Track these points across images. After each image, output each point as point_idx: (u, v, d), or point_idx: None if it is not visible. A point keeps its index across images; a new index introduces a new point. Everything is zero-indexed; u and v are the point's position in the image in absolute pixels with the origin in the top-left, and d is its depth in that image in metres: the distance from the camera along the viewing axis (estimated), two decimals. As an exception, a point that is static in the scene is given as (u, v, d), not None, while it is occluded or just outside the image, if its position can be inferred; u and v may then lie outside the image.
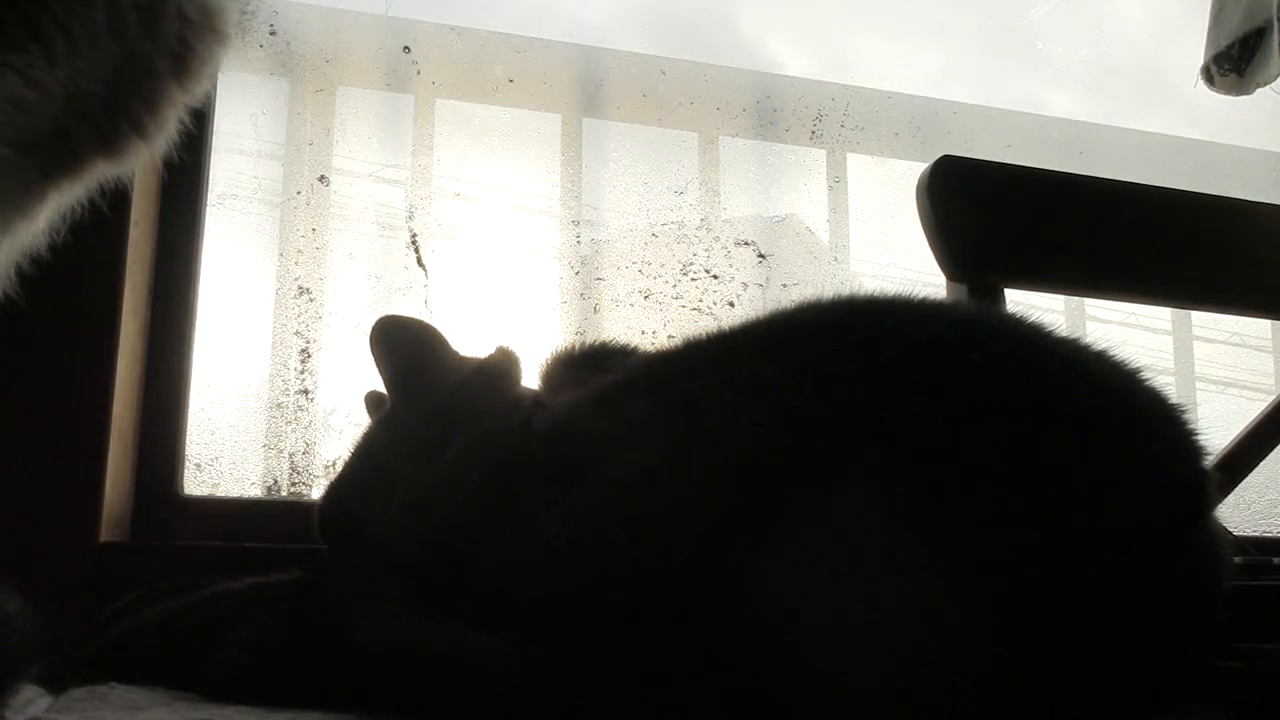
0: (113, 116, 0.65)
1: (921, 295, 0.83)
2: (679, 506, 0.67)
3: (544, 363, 0.99)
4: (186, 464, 1.30)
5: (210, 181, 1.35)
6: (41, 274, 0.78)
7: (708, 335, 0.86)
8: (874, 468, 0.64)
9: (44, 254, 0.77)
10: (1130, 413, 0.73)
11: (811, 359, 0.73)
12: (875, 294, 0.83)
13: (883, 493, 0.63)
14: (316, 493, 1.36)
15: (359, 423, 1.38)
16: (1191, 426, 0.75)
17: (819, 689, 0.62)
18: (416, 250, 1.43)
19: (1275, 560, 1.44)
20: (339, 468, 1.03)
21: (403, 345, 0.96)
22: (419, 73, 1.48)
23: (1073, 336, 0.81)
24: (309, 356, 1.38)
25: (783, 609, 0.63)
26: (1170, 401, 0.77)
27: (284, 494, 1.35)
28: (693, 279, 1.50)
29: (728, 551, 0.65)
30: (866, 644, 0.61)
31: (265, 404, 1.37)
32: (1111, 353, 0.78)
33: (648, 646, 0.65)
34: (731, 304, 1.51)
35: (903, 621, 0.61)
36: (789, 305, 0.85)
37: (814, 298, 0.82)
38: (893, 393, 0.68)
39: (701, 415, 0.72)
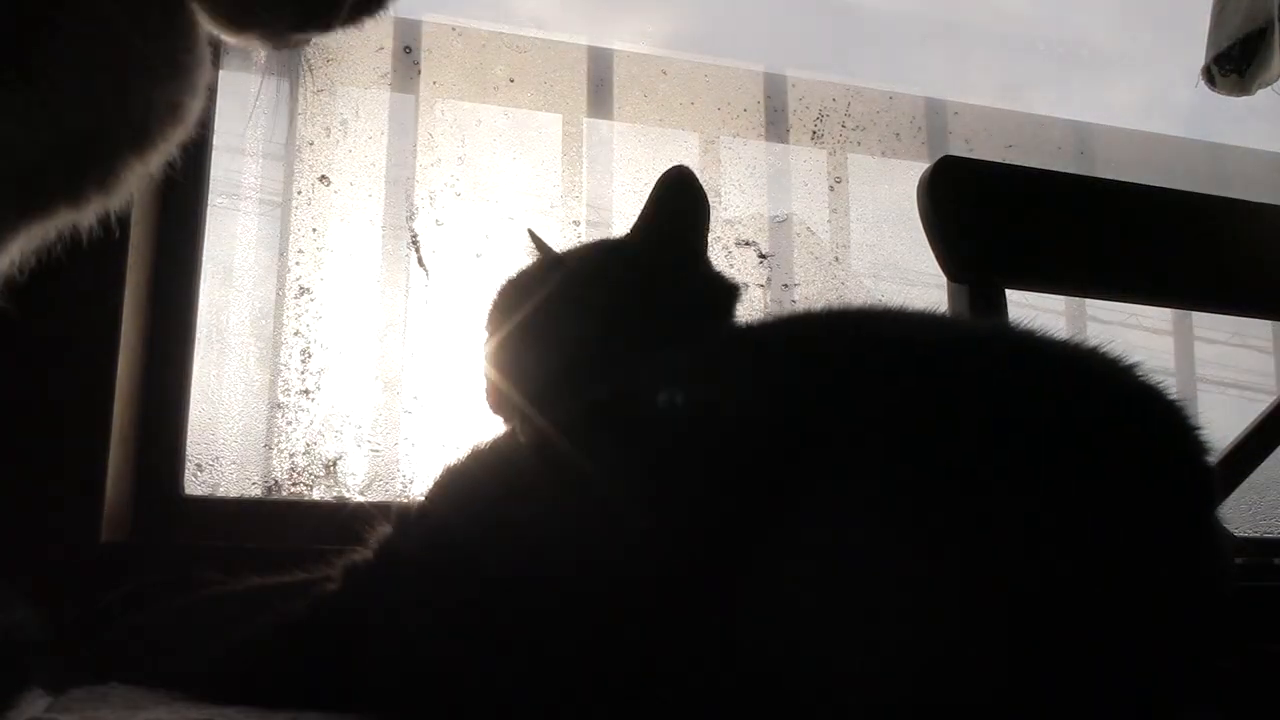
0: (81, 169, 0.68)
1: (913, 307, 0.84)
2: (677, 513, 0.67)
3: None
4: (187, 464, 1.30)
5: (210, 181, 1.35)
6: (42, 275, 0.78)
7: (712, 338, 0.86)
8: (870, 472, 0.64)
9: (45, 255, 0.77)
10: (1134, 409, 0.73)
11: (810, 363, 0.73)
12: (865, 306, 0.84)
13: (880, 495, 0.63)
14: (317, 493, 1.36)
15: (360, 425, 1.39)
16: (1194, 421, 0.75)
17: (820, 695, 0.62)
18: (417, 250, 1.43)
19: (1276, 560, 1.44)
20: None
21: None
22: (420, 73, 1.48)
23: (1066, 337, 0.81)
24: (309, 356, 1.38)
25: (786, 615, 0.63)
26: (1171, 397, 0.76)
27: (284, 494, 1.35)
28: (693, 279, 1.50)
29: (729, 556, 0.65)
30: (868, 648, 0.61)
31: (266, 404, 1.37)
32: (1105, 349, 0.78)
33: (648, 654, 0.65)
34: (732, 304, 1.51)
35: (906, 623, 0.61)
36: (781, 314, 0.85)
37: (803, 309, 0.83)
38: (892, 395, 0.68)
39: (700, 421, 0.72)
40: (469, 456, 0.84)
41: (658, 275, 0.93)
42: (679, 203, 0.96)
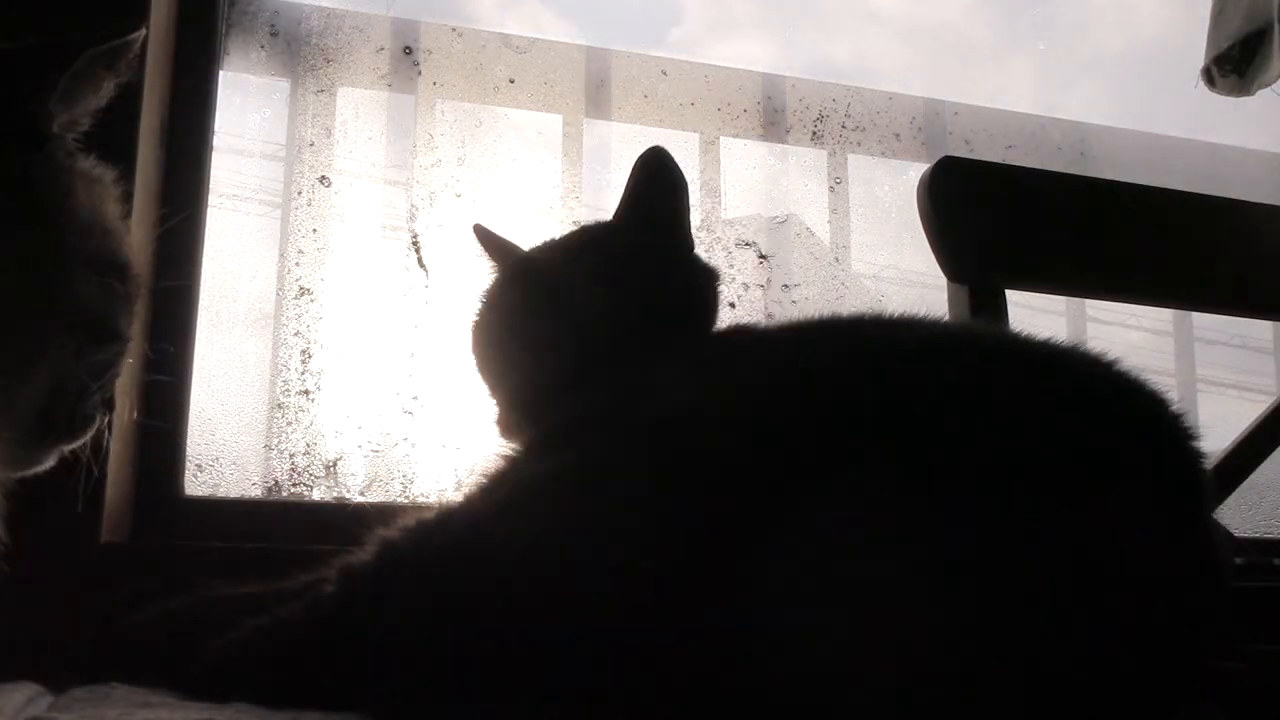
0: None
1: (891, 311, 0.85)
2: (674, 516, 0.67)
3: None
4: (187, 465, 1.30)
5: (210, 181, 1.35)
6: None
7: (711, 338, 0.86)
8: (861, 471, 0.64)
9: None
10: (1119, 405, 0.74)
11: (804, 365, 0.74)
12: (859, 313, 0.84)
13: (871, 496, 0.63)
14: (317, 493, 1.36)
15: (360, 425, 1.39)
16: (1178, 410, 0.75)
17: (816, 696, 0.62)
18: (418, 251, 1.43)
19: (1276, 561, 1.44)
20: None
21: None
22: (420, 73, 1.49)
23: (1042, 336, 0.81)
24: (310, 357, 1.38)
25: (785, 617, 0.63)
26: (1159, 393, 0.77)
27: (285, 495, 1.35)
28: (693, 280, 1.50)
29: (725, 559, 0.65)
30: (862, 649, 0.61)
31: (266, 404, 1.37)
32: (1085, 348, 0.78)
33: (644, 657, 0.65)
34: (732, 305, 1.51)
35: (898, 625, 0.61)
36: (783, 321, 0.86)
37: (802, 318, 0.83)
38: (876, 396, 0.68)
39: (698, 423, 0.72)
40: (507, 456, 0.84)
41: (646, 264, 0.92)
42: (660, 185, 0.96)
